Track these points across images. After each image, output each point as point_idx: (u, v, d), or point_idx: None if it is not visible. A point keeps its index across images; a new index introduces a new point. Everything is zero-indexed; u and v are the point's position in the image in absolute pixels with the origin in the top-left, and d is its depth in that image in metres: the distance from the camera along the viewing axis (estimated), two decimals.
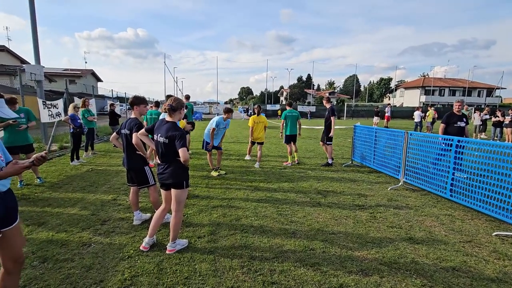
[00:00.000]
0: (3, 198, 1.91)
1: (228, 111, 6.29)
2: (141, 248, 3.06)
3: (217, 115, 6.47)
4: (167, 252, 2.99)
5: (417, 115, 16.69)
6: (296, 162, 7.51)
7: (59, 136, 10.38)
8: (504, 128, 12.60)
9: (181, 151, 2.74)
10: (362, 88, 77.12)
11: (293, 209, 4.31)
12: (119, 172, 6.44)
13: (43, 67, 9.05)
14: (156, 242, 3.21)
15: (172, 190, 2.96)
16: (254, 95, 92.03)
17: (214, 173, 6.29)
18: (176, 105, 2.94)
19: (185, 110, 3.09)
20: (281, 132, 7.69)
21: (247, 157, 7.36)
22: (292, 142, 7.50)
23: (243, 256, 2.95)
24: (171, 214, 3.92)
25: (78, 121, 7.40)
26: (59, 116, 8.56)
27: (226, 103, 48.33)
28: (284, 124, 7.52)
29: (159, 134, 2.93)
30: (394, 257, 2.97)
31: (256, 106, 7.59)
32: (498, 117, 12.86)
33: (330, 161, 7.51)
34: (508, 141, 11.78)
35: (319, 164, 7.59)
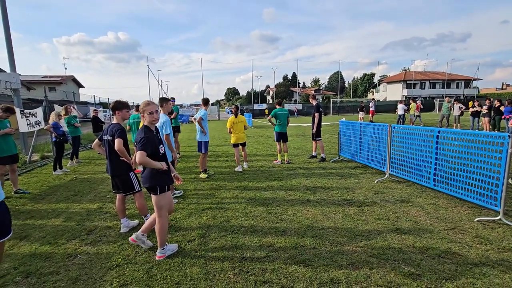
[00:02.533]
0: None
1: (207, 103, 6.36)
2: (129, 239, 3.18)
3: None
4: (156, 258, 2.94)
5: (400, 108, 17.12)
6: (287, 162, 7.44)
7: (40, 145, 10.03)
8: (482, 118, 13.10)
9: (137, 154, 2.71)
10: (346, 84, 78.39)
11: (283, 207, 4.33)
12: (105, 180, 6.29)
13: (19, 74, 8.72)
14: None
15: (151, 195, 2.93)
16: (241, 95, 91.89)
17: (203, 175, 6.23)
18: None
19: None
20: (274, 124, 7.54)
21: (238, 168, 6.76)
22: (282, 141, 7.47)
23: (234, 257, 2.94)
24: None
25: (61, 129, 7.17)
26: (39, 125, 8.27)
27: (212, 104, 48.11)
28: (276, 123, 7.47)
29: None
30: (383, 248, 3.04)
31: (233, 106, 7.43)
32: (476, 107, 13.35)
33: (323, 155, 7.61)
34: (486, 130, 12.26)
35: (308, 161, 7.67)
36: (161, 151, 2.94)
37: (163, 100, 4.69)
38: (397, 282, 2.47)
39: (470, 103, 13.87)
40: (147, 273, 2.70)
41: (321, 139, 7.73)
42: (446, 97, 17.43)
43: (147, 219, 3.67)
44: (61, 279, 2.65)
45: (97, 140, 3.71)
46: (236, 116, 6.82)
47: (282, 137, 7.45)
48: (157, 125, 4.45)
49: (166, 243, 3.07)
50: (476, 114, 13.44)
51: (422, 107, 17.91)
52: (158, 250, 2.98)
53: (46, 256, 3.07)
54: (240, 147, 6.97)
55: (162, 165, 2.83)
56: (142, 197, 3.68)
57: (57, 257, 3.05)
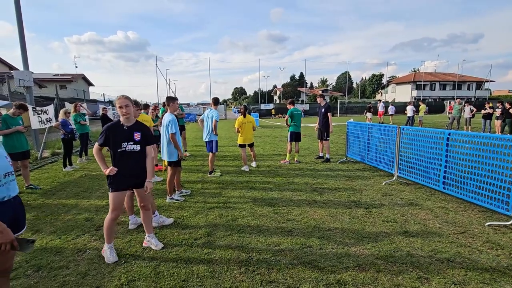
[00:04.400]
0: (12, 203, 1.91)
1: (217, 102, 6.36)
2: (143, 244, 3.20)
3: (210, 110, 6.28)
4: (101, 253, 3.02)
5: (409, 109, 16.89)
6: (297, 161, 7.45)
7: (50, 142, 10.23)
8: (496, 120, 12.82)
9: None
10: (354, 85, 77.61)
11: (290, 207, 4.32)
12: None
13: (32, 72, 8.90)
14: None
15: None
16: (248, 95, 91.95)
17: (217, 173, 6.36)
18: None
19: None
20: (289, 125, 7.50)
21: (245, 168, 6.74)
22: (295, 141, 7.46)
23: (240, 256, 2.95)
24: (164, 215, 3.91)
25: (69, 126, 7.30)
26: (50, 122, 8.43)
27: (220, 103, 48.38)
28: (291, 123, 7.43)
29: None
30: (390, 251, 3.00)
31: (242, 106, 7.43)
32: (487, 109, 13.08)
33: (328, 156, 7.59)
34: (498, 133, 11.98)
35: (315, 161, 7.63)
36: (126, 148, 2.88)
37: (170, 99, 4.71)
38: (404, 285, 2.44)
39: (490, 104, 13.47)
40: (155, 270, 2.73)
41: (328, 140, 7.70)
42: (456, 99, 17.10)
43: (155, 216, 3.72)
44: (71, 273, 2.71)
45: None
46: (244, 116, 6.82)
47: (297, 137, 7.45)
48: (164, 123, 4.50)
49: (108, 245, 2.97)
50: (488, 117, 13.16)
51: (475, 109, 15.34)
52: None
53: (57, 251, 3.14)
54: (248, 147, 6.96)
55: (107, 171, 2.81)
56: (151, 195, 3.72)
57: (67, 252, 3.11)
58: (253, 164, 7.03)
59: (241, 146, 6.90)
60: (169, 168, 4.64)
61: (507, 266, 2.69)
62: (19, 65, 9.18)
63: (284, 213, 4.10)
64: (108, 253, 2.92)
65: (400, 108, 35.90)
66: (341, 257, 2.89)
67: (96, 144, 2.90)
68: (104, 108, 10.80)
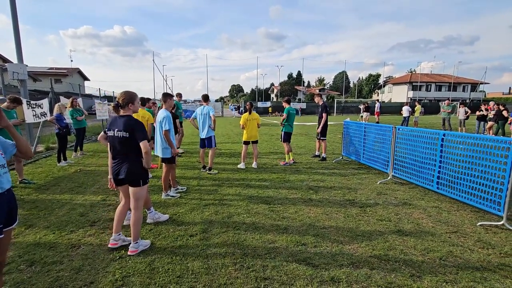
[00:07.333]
0: (7, 196, 1.90)
1: (207, 99, 6.40)
2: (109, 246, 3.02)
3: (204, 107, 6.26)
4: (128, 253, 2.93)
5: (405, 110, 17.01)
6: (292, 161, 7.28)
7: (45, 136, 10.11)
8: (488, 122, 12.98)
9: (143, 144, 2.79)
10: (351, 85, 77.86)
11: (285, 205, 4.34)
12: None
13: (27, 65, 8.77)
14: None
15: (130, 188, 2.95)
16: (245, 92, 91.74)
17: (214, 171, 6.37)
18: (123, 102, 2.91)
19: (138, 103, 3.10)
20: (284, 124, 7.29)
21: (241, 165, 6.71)
22: (288, 141, 7.27)
23: (235, 253, 2.96)
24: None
25: (64, 121, 7.22)
26: (44, 116, 8.33)
27: (216, 101, 48.23)
28: (285, 122, 7.23)
29: (116, 129, 2.87)
30: (384, 249, 3.04)
31: (247, 103, 7.38)
32: (482, 111, 13.22)
33: (324, 155, 7.60)
34: (489, 135, 12.13)
35: (311, 160, 7.66)
36: None
37: (167, 96, 4.68)
38: (397, 283, 2.47)
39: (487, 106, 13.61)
40: (149, 266, 2.73)
41: (325, 139, 7.72)
42: (446, 100, 17.19)
43: (150, 212, 3.71)
44: (64, 268, 2.69)
45: (102, 133, 3.72)
46: (250, 113, 6.77)
47: (290, 137, 7.29)
48: (157, 120, 4.48)
49: (140, 238, 3.04)
50: (482, 118, 13.32)
51: (469, 111, 14.62)
52: (131, 244, 2.97)
53: (50, 246, 3.12)
54: (252, 144, 6.87)
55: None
56: (146, 191, 3.70)
57: (61, 247, 3.09)
58: (254, 165, 6.85)
59: (245, 143, 6.84)
60: (163, 165, 4.62)
61: (497, 265, 2.74)
62: (13, 58, 9.02)
63: (279, 210, 4.12)
64: (144, 243, 3.06)
65: (396, 108, 36.20)
66: (335, 255, 2.92)
67: (147, 142, 2.85)
68: (100, 103, 10.60)
